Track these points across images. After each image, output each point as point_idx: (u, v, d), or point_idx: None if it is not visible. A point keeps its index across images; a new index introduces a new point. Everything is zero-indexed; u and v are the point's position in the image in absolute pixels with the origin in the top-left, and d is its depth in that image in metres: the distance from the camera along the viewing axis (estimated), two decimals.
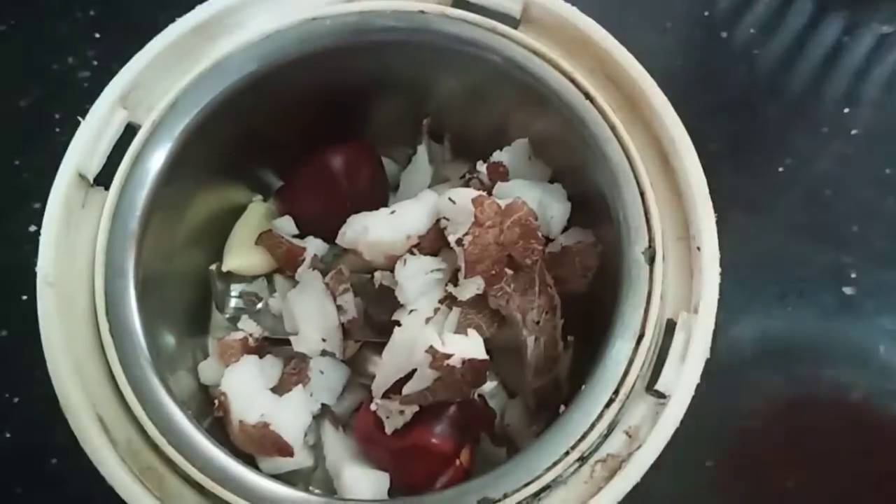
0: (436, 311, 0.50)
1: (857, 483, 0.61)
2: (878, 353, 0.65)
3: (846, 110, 0.73)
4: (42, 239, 0.46)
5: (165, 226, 0.50)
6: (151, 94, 0.49)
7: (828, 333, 0.66)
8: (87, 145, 0.47)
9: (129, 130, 0.48)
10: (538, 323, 0.51)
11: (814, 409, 0.63)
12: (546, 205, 0.52)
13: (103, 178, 0.47)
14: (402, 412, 0.48)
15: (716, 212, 0.70)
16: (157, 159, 0.47)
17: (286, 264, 0.55)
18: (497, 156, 0.55)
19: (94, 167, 0.47)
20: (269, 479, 0.42)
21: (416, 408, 0.48)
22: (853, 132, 0.72)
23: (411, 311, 0.50)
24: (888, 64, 0.76)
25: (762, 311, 0.66)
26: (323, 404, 0.53)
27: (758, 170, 0.71)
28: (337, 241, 0.52)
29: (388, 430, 0.48)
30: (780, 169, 0.71)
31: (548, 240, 0.52)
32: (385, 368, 0.50)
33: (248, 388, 0.50)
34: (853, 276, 0.67)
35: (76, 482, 0.61)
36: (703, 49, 0.77)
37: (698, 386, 0.43)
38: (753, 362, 0.64)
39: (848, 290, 0.67)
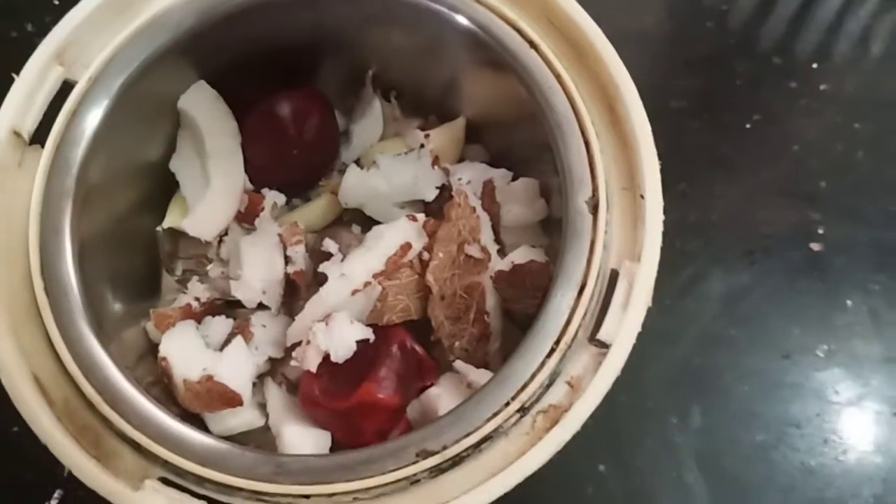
0: (366, 284, 0.49)
1: None
2: (846, 308, 0.64)
3: (815, 66, 0.72)
4: None
5: (108, 185, 0.49)
6: (88, 50, 0.48)
7: (795, 290, 0.65)
8: (21, 103, 0.46)
9: (66, 87, 0.47)
10: (467, 350, 0.50)
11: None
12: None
13: (39, 137, 0.46)
14: None
15: (684, 169, 0.69)
16: (94, 116, 0.46)
17: (244, 215, 0.54)
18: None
19: (28, 125, 0.46)
20: (205, 434, 0.42)
21: None
22: (822, 88, 0.71)
23: (342, 273, 0.49)
24: (858, 19, 0.74)
25: (729, 268, 0.65)
26: (275, 364, 0.53)
27: (726, 126, 0.70)
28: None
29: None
30: (748, 125, 0.70)
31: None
32: (300, 321, 0.50)
33: (187, 348, 0.50)
34: (821, 232, 0.66)
35: (39, 449, 0.61)
36: (672, 5, 0.76)
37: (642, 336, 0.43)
38: (719, 318, 0.63)
39: (816, 247, 0.66)
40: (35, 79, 0.46)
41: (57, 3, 0.74)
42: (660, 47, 0.73)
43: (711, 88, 0.71)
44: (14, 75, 0.47)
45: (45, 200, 0.45)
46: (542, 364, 0.42)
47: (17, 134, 0.46)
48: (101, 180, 0.48)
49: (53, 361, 0.43)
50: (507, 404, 0.41)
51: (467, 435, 0.41)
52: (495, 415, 0.41)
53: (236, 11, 0.49)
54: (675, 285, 0.64)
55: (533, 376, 0.42)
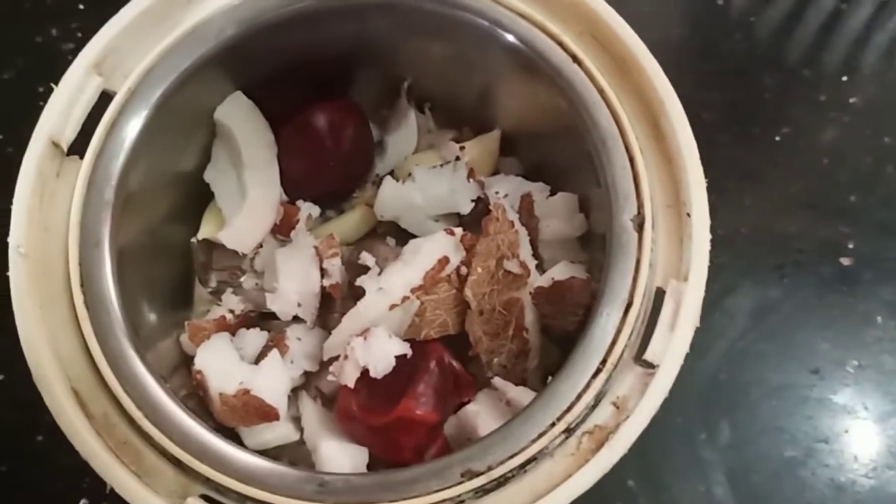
0: (405, 299, 0.49)
1: None
2: (876, 323, 0.64)
3: (844, 78, 0.72)
4: (14, 209, 0.44)
5: (144, 196, 0.49)
6: (127, 60, 0.47)
7: (825, 304, 0.64)
8: (60, 113, 0.45)
9: (104, 98, 0.47)
10: (505, 367, 0.50)
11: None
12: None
13: (78, 147, 0.46)
14: None
15: (712, 182, 0.69)
16: (133, 127, 0.46)
17: (279, 227, 0.54)
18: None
19: (67, 135, 0.45)
20: (247, 451, 0.42)
21: None
22: (851, 101, 0.71)
23: (380, 288, 0.49)
24: (887, 31, 0.74)
25: (758, 282, 0.65)
26: (309, 378, 0.52)
27: (755, 139, 0.70)
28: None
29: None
30: (777, 138, 0.69)
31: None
32: (337, 335, 0.50)
33: (222, 361, 0.49)
34: (851, 246, 0.66)
35: (62, 459, 0.60)
36: (699, 17, 0.75)
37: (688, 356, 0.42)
38: (749, 333, 0.63)
39: (846, 261, 0.66)
40: (74, 89, 0.46)
41: (82, 7, 0.73)
42: (688, 60, 0.73)
43: (740, 101, 0.71)
44: (53, 85, 0.46)
45: (84, 212, 0.44)
46: (588, 384, 0.41)
47: (55, 144, 0.45)
48: (137, 191, 0.47)
49: (93, 375, 0.43)
50: (553, 425, 0.41)
51: (513, 455, 0.40)
52: (541, 435, 0.41)
53: (276, 22, 0.49)
54: (704, 299, 0.64)
55: (579, 397, 0.41)
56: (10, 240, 0.44)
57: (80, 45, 0.71)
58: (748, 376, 0.62)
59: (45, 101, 0.69)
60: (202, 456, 0.41)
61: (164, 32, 0.48)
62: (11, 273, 0.43)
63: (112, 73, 0.47)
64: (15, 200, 0.45)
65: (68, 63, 0.70)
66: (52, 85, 0.46)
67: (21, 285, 0.43)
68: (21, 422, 0.61)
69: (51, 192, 0.45)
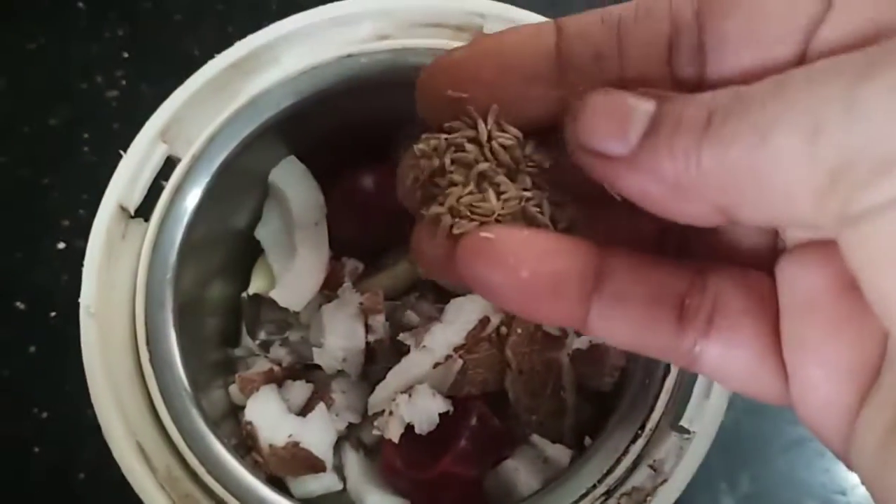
0: (448, 358, 0.51)
1: None
2: None
3: None
4: (85, 270, 0.47)
5: (201, 255, 0.51)
6: (190, 128, 0.50)
7: None
8: (128, 179, 0.48)
9: (168, 164, 0.49)
10: (542, 424, 0.52)
11: None
12: None
13: (142, 211, 0.48)
14: None
15: None
16: (197, 192, 0.48)
17: (326, 282, 0.56)
18: None
19: (134, 200, 0.48)
20: None
21: None
22: None
23: (424, 346, 0.52)
24: None
25: None
26: (352, 428, 0.54)
27: None
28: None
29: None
30: None
31: None
32: (381, 391, 0.52)
33: (271, 413, 0.52)
34: None
35: (103, 498, 0.63)
36: None
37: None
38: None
39: None
40: (141, 155, 0.48)
41: (126, 56, 0.76)
42: None
43: None
44: (122, 152, 0.49)
45: (150, 273, 0.47)
46: (627, 449, 0.44)
47: (123, 208, 0.48)
48: (195, 250, 0.50)
49: (156, 430, 0.45)
50: (594, 486, 0.43)
51: None
52: (583, 497, 0.43)
53: (330, 93, 0.51)
54: None
55: (618, 460, 0.44)
56: (80, 300, 0.46)
57: (125, 92, 0.75)
58: (767, 429, 0.64)
59: (90, 147, 0.72)
60: None
61: (224, 101, 0.50)
62: (82, 333, 0.46)
63: (176, 140, 0.49)
64: (86, 262, 0.47)
65: (112, 110, 0.74)
66: (122, 152, 0.48)
67: (90, 344, 0.45)
68: (63, 460, 0.64)
69: (117, 253, 0.48)
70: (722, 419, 0.44)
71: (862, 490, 0.63)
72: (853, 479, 0.63)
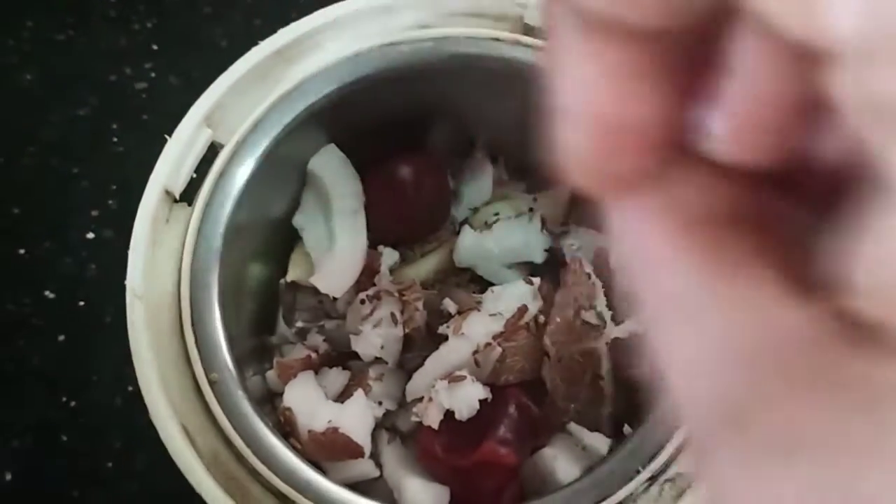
0: (486, 346, 0.51)
1: None
2: None
3: None
4: (131, 254, 0.47)
5: (241, 242, 0.51)
6: (233, 114, 0.50)
7: None
8: (173, 163, 0.48)
9: (212, 149, 0.50)
10: (580, 413, 0.52)
11: None
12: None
13: (187, 195, 0.49)
14: None
15: None
16: (241, 177, 0.49)
17: (363, 271, 0.56)
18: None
19: (179, 184, 0.48)
20: (346, 489, 0.44)
21: None
22: None
23: (463, 333, 0.52)
24: None
25: None
26: (388, 415, 0.55)
27: None
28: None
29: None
30: None
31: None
32: (420, 378, 0.52)
33: (310, 399, 0.52)
34: None
35: (131, 486, 0.63)
36: None
37: None
38: None
39: None
40: (186, 141, 0.49)
41: (156, 48, 0.76)
42: None
43: None
44: (167, 136, 0.49)
45: (195, 257, 0.47)
46: (671, 435, 0.44)
47: (168, 192, 0.48)
48: (237, 236, 0.50)
49: (202, 413, 0.45)
50: (638, 472, 0.43)
51: (600, 501, 0.43)
52: (626, 482, 0.43)
53: (371, 82, 0.51)
54: None
55: (663, 446, 0.44)
56: (126, 282, 0.46)
57: (153, 84, 0.75)
58: None
59: (119, 138, 0.72)
60: (305, 491, 0.43)
61: (267, 89, 0.51)
62: (129, 315, 0.46)
63: (219, 126, 0.50)
64: (132, 246, 0.47)
65: (141, 101, 0.74)
66: (167, 136, 0.49)
67: (137, 327, 0.46)
68: (91, 449, 0.64)
69: (162, 236, 0.48)
70: None
71: None
72: None
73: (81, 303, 0.67)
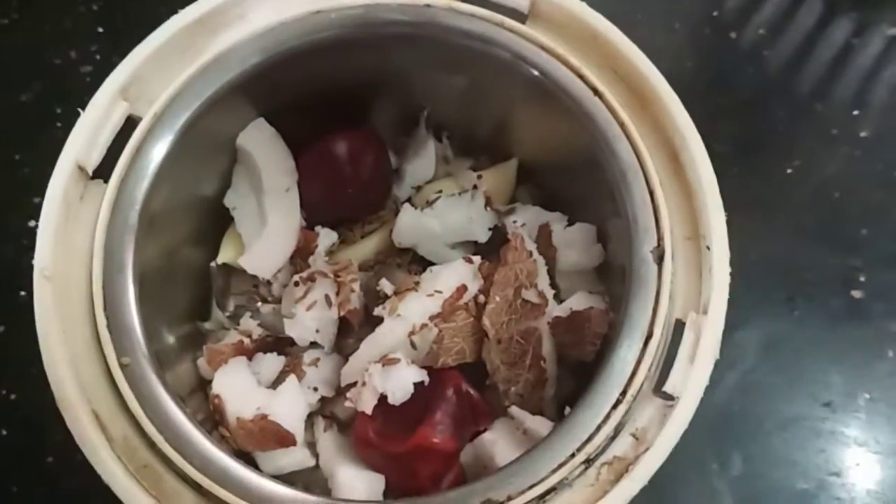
0: (423, 326, 0.49)
1: None
2: (887, 356, 0.64)
3: (855, 112, 0.72)
4: (39, 232, 0.45)
5: (165, 220, 0.49)
6: (152, 86, 0.48)
7: (836, 337, 0.65)
8: (86, 137, 0.46)
9: (130, 123, 0.47)
10: (522, 396, 0.50)
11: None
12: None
13: (102, 171, 0.46)
14: None
15: (724, 213, 0.70)
16: (158, 152, 0.46)
17: (298, 252, 0.54)
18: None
19: (93, 160, 0.46)
20: (267, 478, 0.42)
21: None
22: (862, 134, 0.71)
23: (399, 315, 0.49)
24: None
25: (769, 314, 0.65)
26: (326, 403, 0.52)
27: (766, 171, 0.70)
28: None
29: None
30: (789, 171, 0.70)
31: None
32: (355, 361, 0.50)
33: (240, 386, 0.49)
34: (862, 279, 0.66)
35: (72, 480, 0.60)
36: (711, 50, 0.76)
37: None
38: (760, 365, 0.63)
39: (856, 294, 0.66)
40: (100, 114, 0.46)
41: (101, 30, 0.74)
42: (701, 92, 0.73)
43: (751, 133, 0.72)
44: (80, 110, 0.47)
45: (109, 236, 0.45)
46: (608, 415, 0.42)
47: (81, 168, 0.46)
48: (158, 214, 0.48)
49: (113, 398, 0.43)
50: (573, 455, 0.41)
51: (533, 486, 0.41)
52: (561, 466, 0.41)
53: (299, 51, 0.49)
54: None
55: (598, 428, 0.41)
56: (34, 262, 0.44)
57: (99, 67, 0.73)
58: (760, 408, 0.62)
59: (63, 123, 0.70)
60: (223, 481, 0.41)
61: (188, 60, 0.48)
62: (36, 295, 0.43)
63: (137, 99, 0.47)
64: (41, 223, 0.45)
65: (86, 85, 0.72)
66: (80, 109, 0.47)
67: (45, 307, 0.43)
68: (31, 443, 0.61)
69: (75, 215, 0.45)
70: (707, 384, 0.42)
71: (857, 471, 0.61)
72: (849, 459, 0.61)
73: (22, 293, 0.65)
